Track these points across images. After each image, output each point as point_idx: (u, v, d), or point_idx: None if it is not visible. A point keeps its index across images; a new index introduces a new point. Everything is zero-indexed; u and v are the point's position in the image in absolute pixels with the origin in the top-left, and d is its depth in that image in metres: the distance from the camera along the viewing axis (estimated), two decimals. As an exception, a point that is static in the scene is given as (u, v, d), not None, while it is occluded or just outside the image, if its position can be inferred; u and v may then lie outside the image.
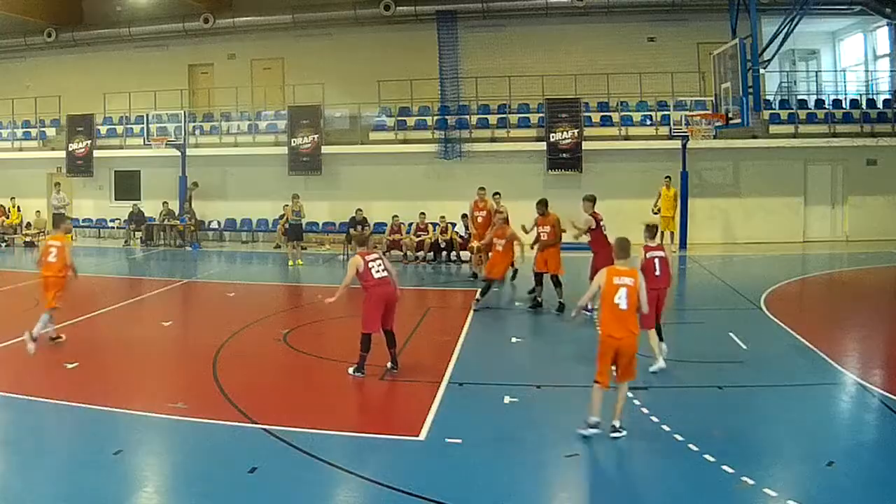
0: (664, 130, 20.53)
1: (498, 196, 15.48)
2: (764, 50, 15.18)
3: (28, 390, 7.64)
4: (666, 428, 6.61)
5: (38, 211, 23.51)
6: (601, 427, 6.41)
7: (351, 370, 8.34)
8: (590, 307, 9.96)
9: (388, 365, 8.49)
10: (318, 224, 22.20)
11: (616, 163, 20.83)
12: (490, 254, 12.84)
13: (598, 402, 6.39)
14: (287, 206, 18.63)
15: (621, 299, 6.30)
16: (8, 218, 23.54)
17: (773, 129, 20.56)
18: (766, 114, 20.47)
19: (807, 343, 9.51)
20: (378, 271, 8.35)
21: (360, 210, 19.34)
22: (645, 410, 7.07)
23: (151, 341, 10.34)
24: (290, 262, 17.91)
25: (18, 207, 23.77)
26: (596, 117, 21.66)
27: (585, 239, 11.33)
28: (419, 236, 18.95)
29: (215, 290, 14.68)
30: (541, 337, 10.89)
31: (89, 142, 23.74)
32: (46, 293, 9.68)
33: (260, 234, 23.24)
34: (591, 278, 10.01)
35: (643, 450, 6.32)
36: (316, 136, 22.11)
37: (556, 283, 11.82)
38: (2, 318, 11.50)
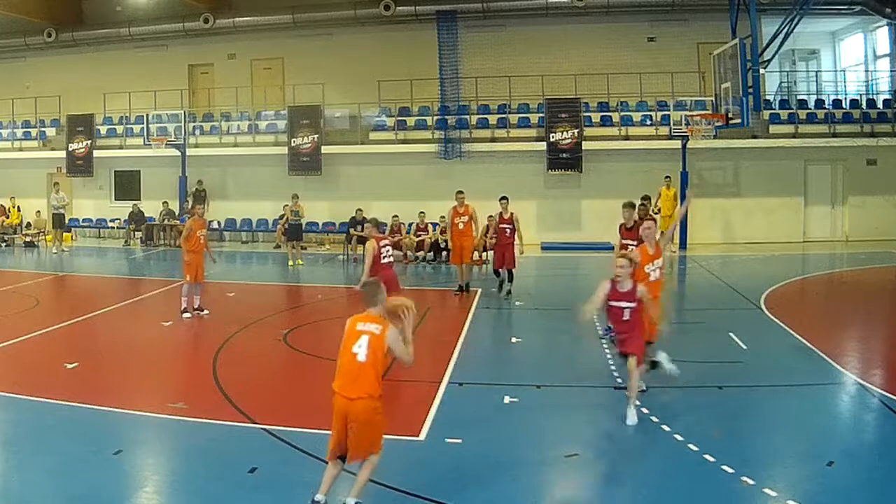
0: (664, 130, 20.54)
1: (505, 201, 13.61)
2: (764, 50, 15.20)
3: (28, 390, 7.63)
4: (666, 428, 6.61)
5: (38, 211, 23.50)
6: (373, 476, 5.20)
7: None
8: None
9: None
10: (318, 224, 22.20)
11: (616, 163, 20.84)
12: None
13: (328, 479, 5.06)
14: (287, 206, 18.64)
15: (361, 348, 5.01)
16: (8, 218, 23.54)
17: (773, 129, 20.56)
18: (766, 114, 20.48)
19: (807, 343, 9.51)
20: (385, 256, 9.83)
21: (361, 210, 19.34)
22: (645, 410, 7.06)
23: (151, 341, 10.34)
24: (290, 263, 17.91)
25: (18, 207, 23.76)
26: (596, 117, 21.66)
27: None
28: (419, 236, 18.96)
29: (215, 290, 14.67)
30: (541, 337, 10.89)
31: (89, 142, 23.74)
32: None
33: (260, 234, 23.24)
34: None
35: (643, 450, 6.32)
36: (316, 136, 22.11)
37: None
38: (2, 318, 11.49)
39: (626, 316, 6.94)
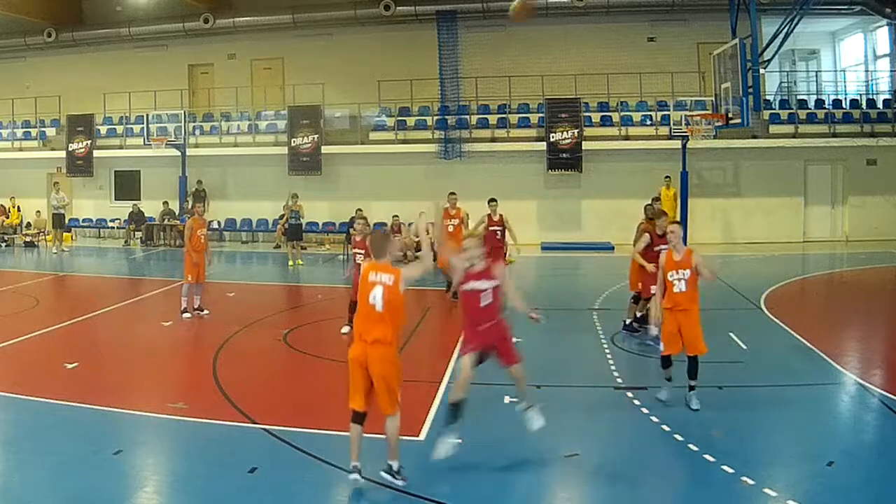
0: (664, 130, 20.54)
1: (494, 203, 13.00)
2: (764, 50, 15.20)
3: (28, 390, 7.64)
4: (666, 428, 6.61)
5: (38, 211, 23.50)
6: (365, 474, 5.44)
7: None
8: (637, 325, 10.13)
9: None
10: (318, 224, 22.21)
11: (616, 163, 20.84)
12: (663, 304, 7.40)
13: (355, 440, 5.36)
14: (286, 205, 18.64)
15: (376, 299, 5.28)
16: (8, 218, 23.55)
17: (773, 129, 20.56)
18: (766, 114, 20.48)
19: (807, 343, 9.52)
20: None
21: (361, 210, 19.29)
22: (645, 410, 7.07)
23: (151, 341, 10.34)
24: (290, 263, 17.90)
25: (18, 207, 23.78)
26: (596, 117, 21.66)
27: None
28: (419, 236, 18.93)
29: (215, 290, 14.68)
30: (541, 337, 10.87)
31: (89, 142, 23.74)
32: None
33: (260, 234, 23.24)
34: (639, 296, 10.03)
35: (643, 450, 6.32)
36: (316, 136, 22.11)
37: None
38: (2, 318, 11.49)
39: (485, 301, 6.14)
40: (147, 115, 22.72)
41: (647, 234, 9.70)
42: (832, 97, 21.67)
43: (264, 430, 6.62)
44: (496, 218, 12.82)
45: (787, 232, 20.74)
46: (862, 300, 13.34)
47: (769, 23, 17.86)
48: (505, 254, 13.12)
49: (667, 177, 19.76)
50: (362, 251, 9.91)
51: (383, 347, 5.24)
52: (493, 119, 22.05)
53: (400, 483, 5.39)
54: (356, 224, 10.70)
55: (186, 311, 11.51)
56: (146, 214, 23.11)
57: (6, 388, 7.68)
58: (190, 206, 18.19)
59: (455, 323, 11.22)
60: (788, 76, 22.90)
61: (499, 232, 12.71)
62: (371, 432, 6.70)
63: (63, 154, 23.99)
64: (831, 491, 5.40)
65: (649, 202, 10.76)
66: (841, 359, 8.78)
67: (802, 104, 21.50)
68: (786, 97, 22.19)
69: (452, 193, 13.77)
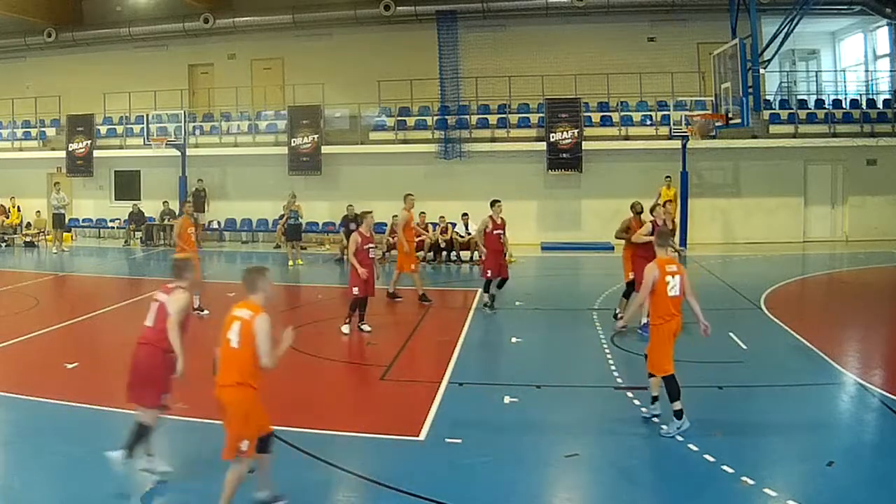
0: (664, 130, 20.53)
1: (499, 205, 12.13)
2: (764, 50, 15.18)
3: (28, 390, 7.64)
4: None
5: (38, 211, 23.51)
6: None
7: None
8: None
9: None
10: (317, 224, 22.21)
11: (616, 163, 20.84)
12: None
13: (262, 477, 5.25)
14: (286, 204, 18.62)
15: (233, 334, 5.11)
16: (8, 218, 23.55)
17: (773, 129, 20.57)
18: (766, 114, 20.48)
19: (807, 343, 9.52)
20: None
21: (352, 206, 18.76)
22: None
23: (151, 341, 10.31)
24: (290, 263, 17.89)
25: (18, 207, 23.77)
26: (596, 117, 21.67)
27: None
28: (419, 236, 18.89)
29: (215, 290, 14.68)
30: (541, 337, 10.90)
31: (89, 142, 23.74)
32: None
33: (260, 234, 23.25)
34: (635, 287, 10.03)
35: (643, 450, 6.32)
36: (316, 136, 22.11)
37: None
38: (2, 318, 11.49)
39: None
40: (147, 115, 22.72)
41: (648, 224, 10.04)
42: (832, 97, 21.68)
43: (264, 430, 6.61)
44: (498, 220, 11.99)
45: (787, 232, 20.75)
46: (862, 300, 13.33)
47: (769, 23, 17.85)
48: (504, 255, 13.02)
49: (667, 177, 19.76)
50: (373, 245, 10.75)
51: (234, 389, 5.01)
52: (493, 119, 22.05)
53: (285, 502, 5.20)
54: (366, 218, 10.80)
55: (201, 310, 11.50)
56: (146, 214, 23.11)
57: (6, 388, 7.68)
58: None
59: (455, 323, 11.23)
60: (788, 76, 22.91)
61: (501, 236, 11.98)
62: (369, 432, 6.73)
63: (63, 154, 23.99)
64: (831, 491, 5.40)
65: (653, 206, 10.85)
66: (841, 359, 8.79)
67: (802, 104, 21.51)
68: (786, 97, 22.19)
69: (410, 194, 13.37)
